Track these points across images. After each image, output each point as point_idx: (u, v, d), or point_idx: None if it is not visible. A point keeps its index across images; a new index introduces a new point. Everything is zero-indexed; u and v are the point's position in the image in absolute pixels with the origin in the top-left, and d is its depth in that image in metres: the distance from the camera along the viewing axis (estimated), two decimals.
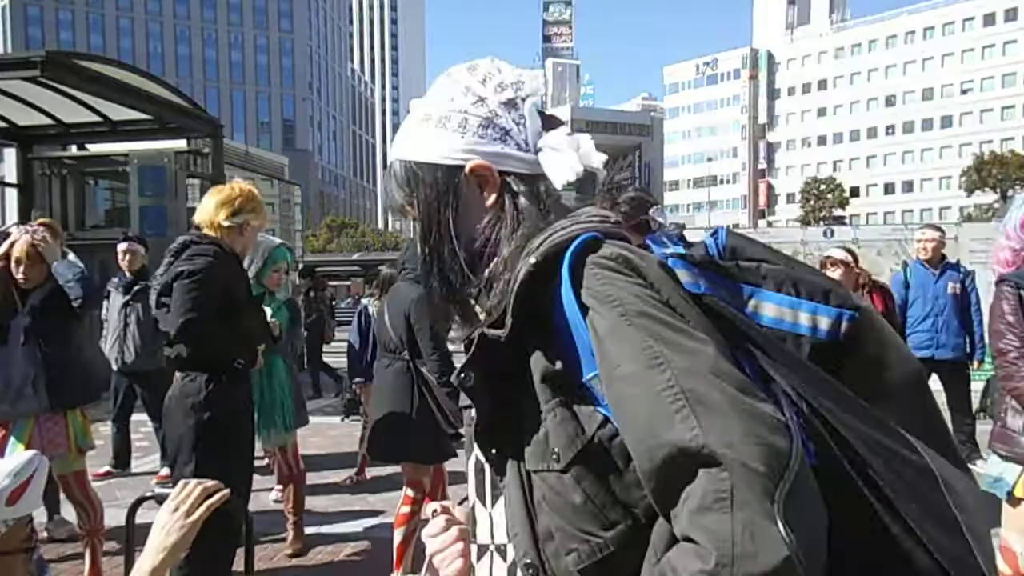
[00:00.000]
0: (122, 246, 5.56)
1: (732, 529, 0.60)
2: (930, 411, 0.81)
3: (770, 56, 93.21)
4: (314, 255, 42.62)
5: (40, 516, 3.52)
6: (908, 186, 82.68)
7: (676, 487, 0.66)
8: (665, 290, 0.75)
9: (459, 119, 0.89)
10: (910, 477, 0.72)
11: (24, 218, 10.98)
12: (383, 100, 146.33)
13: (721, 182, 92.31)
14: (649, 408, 0.68)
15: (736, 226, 56.61)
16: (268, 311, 3.71)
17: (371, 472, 5.63)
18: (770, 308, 0.80)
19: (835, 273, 4.31)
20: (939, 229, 5.67)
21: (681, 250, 0.83)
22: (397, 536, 3.52)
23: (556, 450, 0.78)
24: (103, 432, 5.62)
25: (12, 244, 3.38)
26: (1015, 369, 2.40)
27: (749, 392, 0.68)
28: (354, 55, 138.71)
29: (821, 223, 45.86)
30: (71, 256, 3.58)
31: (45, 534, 4.18)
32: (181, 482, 1.53)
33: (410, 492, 3.55)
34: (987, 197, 56.72)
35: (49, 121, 9.89)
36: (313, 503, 4.71)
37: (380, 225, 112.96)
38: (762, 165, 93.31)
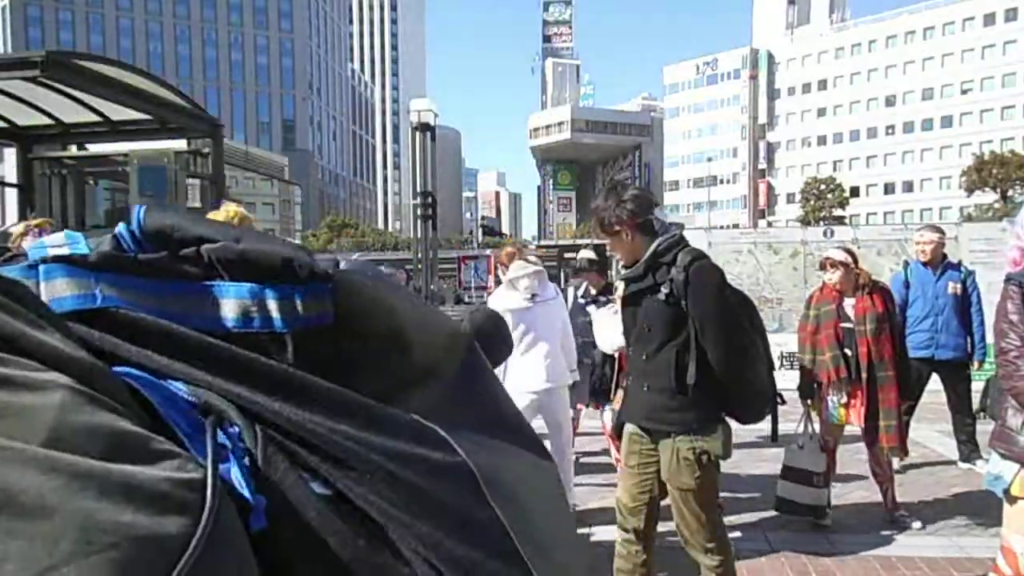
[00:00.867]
0: None
1: None
2: (482, 390, 0.74)
3: (770, 56, 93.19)
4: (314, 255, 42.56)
5: None
6: (908, 186, 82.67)
7: None
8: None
9: None
10: (431, 485, 0.60)
11: (25, 218, 10.99)
12: (383, 100, 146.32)
13: (721, 182, 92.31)
14: None
15: (736, 226, 56.67)
16: None
17: None
18: (230, 306, 0.59)
19: (834, 274, 4.31)
20: (938, 230, 5.68)
21: (66, 251, 0.61)
22: None
23: None
24: None
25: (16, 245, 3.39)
26: (1014, 368, 2.41)
27: (128, 450, 0.45)
28: (354, 55, 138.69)
29: (821, 223, 45.86)
30: None
31: None
32: None
33: None
34: (987, 197, 56.72)
35: (49, 121, 9.89)
36: None
37: (380, 225, 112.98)
38: (762, 165, 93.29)
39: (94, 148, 11.59)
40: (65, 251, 0.61)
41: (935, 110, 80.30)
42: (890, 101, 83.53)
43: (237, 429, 0.53)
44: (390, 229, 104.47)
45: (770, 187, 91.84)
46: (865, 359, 4.15)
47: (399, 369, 0.65)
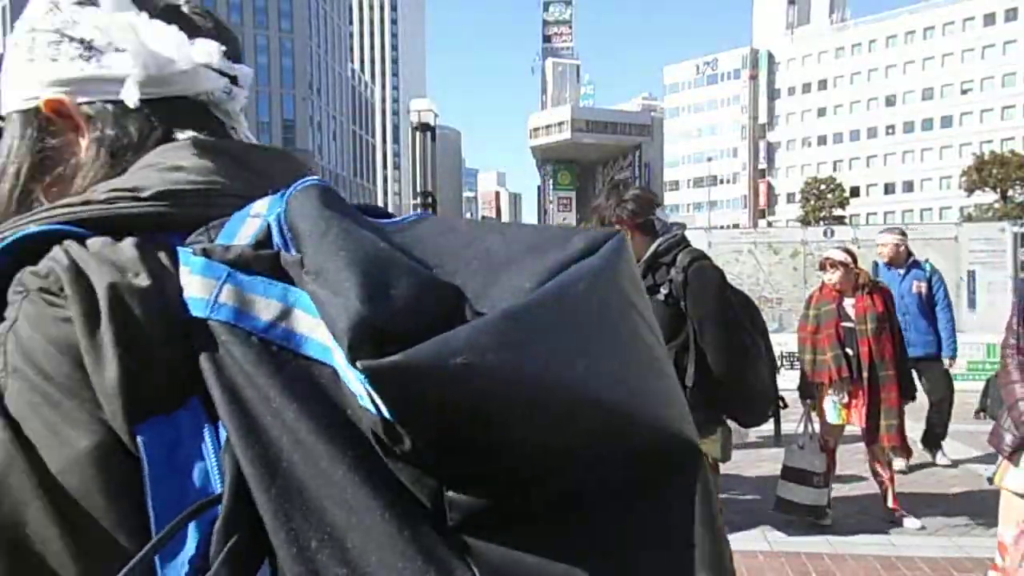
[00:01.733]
0: None
1: None
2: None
3: (770, 56, 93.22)
4: None
5: None
6: (908, 186, 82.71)
7: None
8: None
9: (28, 41, 0.64)
10: None
11: None
12: (383, 100, 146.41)
13: (721, 182, 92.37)
14: None
15: (736, 226, 56.72)
16: None
17: None
18: (306, 324, 0.47)
19: (834, 274, 4.32)
20: (899, 232, 5.75)
21: (211, 243, 0.51)
22: None
23: None
24: None
25: None
26: (1004, 364, 2.51)
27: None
28: (354, 55, 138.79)
29: (821, 223, 45.89)
30: None
31: None
32: None
33: None
34: (987, 197, 56.73)
35: None
36: None
37: None
38: (762, 165, 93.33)
39: None
40: (211, 243, 0.51)
41: (935, 110, 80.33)
42: (890, 101, 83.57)
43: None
44: None
45: (770, 187, 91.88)
46: (867, 358, 4.16)
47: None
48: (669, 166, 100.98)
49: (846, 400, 4.29)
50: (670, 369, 0.53)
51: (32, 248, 0.50)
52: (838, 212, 64.20)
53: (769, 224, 67.00)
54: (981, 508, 4.51)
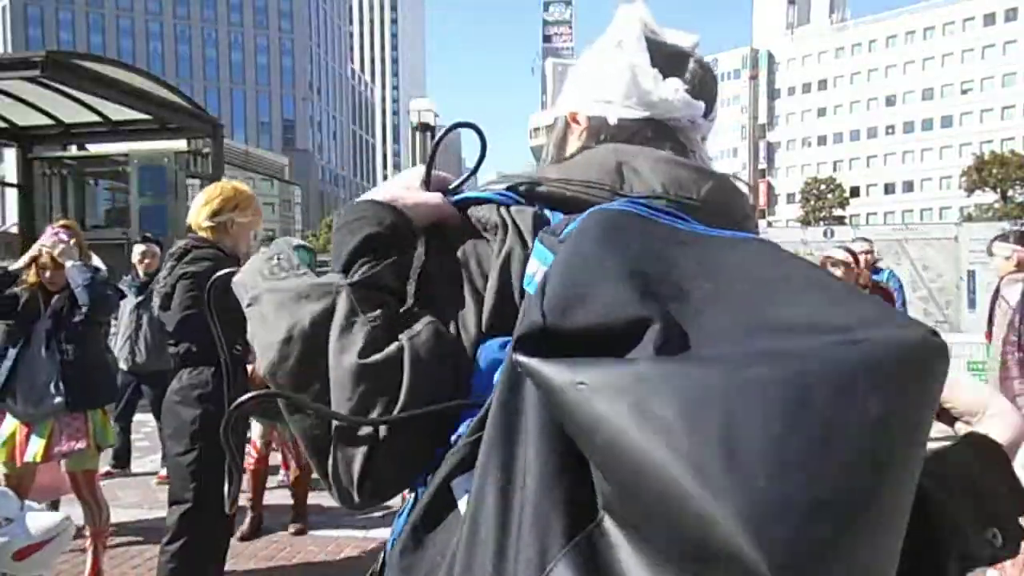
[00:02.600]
0: (140, 248, 5.60)
1: None
2: None
3: (770, 56, 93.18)
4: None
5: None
6: (908, 186, 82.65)
7: None
8: None
9: (576, 72, 0.98)
10: None
11: (25, 218, 10.99)
12: (383, 100, 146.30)
13: None
14: None
15: None
16: None
17: None
18: None
19: (836, 273, 4.23)
20: (866, 240, 6.40)
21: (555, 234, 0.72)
22: None
23: None
24: None
25: (39, 249, 3.49)
26: (1004, 361, 2.64)
27: None
28: (354, 55, 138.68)
29: (821, 223, 45.86)
30: (95, 259, 3.66)
31: None
32: None
33: None
34: (987, 197, 56.69)
35: (49, 121, 9.89)
36: (313, 502, 4.72)
37: None
38: (762, 165, 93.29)
39: (94, 148, 11.59)
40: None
41: (935, 110, 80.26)
42: (890, 101, 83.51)
43: None
44: None
45: (770, 187, 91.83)
46: None
47: None
48: None
49: None
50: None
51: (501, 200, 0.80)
52: (838, 212, 64.15)
53: (769, 224, 66.87)
54: None
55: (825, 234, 10.74)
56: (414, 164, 16.18)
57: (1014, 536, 0.59)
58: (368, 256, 0.79)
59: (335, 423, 0.73)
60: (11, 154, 11.44)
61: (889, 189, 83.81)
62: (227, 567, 3.91)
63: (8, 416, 3.51)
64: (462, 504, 0.64)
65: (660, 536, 0.48)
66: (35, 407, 3.40)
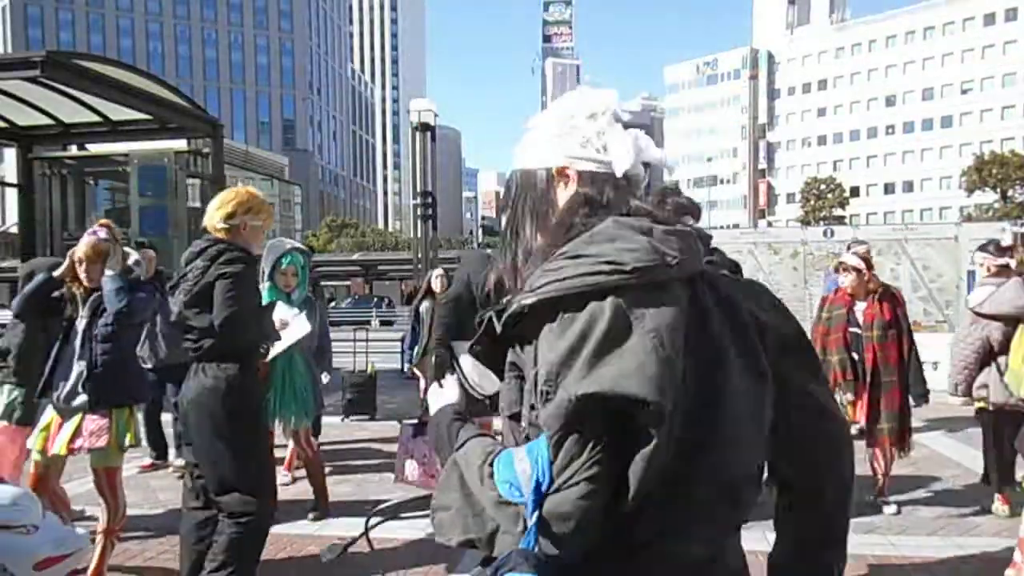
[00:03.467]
0: (135, 255, 5.66)
1: None
2: None
3: (770, 56, 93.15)
4: (314, 255, 42.51)
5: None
6: (908, 186, 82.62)
7: None
8: None
9: (554, 131, 1.13)
10: None
11: (25, 218, 10.98)
12: (383, 100, 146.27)
13: (721, 182, 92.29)
14: None
15: (736, 226, 56.58)
16: (286, 309, 4.05)
17: (369, 471, 5.61)
18: None
19: (846, 279, 4.58)
20: (864, 243, 6.94)
21: None
22: None
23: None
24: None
25: (71, 265, 3.62)
26: None
27: None
28: (354, 55, 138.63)
29: (821, 223, 45.85)
30: (132, 255, 3.83)
31: None
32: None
33: None
34: (987, 197, 56.68)
35: (49, 121, 9.88)
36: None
37: (380, 225, 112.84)
38: (762, 165, 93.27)
39: (94, 148, 11.57)
40: None
41: (935, 110, 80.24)
42: (890, 101, 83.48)
43: None
44: (390, 229, 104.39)
45: (770, 187, 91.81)
46: (871, 364, 4.41)
47: None
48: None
49: (852, 398, 4.52)
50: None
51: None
52: (838, 212, 64.14)
53: (769, 224, 66.99)
54: (981, 508, 4.53)
55: (825, 234, 10.74)
56: (414, 164, 16.20)
57: None
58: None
59: None
60: (11, 154, 11.42)
61: (889, 189, 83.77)
62: None
63: (49, 408, 3.65)
64: None
65: None
66: (66, 403, 3.52)
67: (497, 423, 1.26)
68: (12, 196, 11.21)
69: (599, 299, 0.95)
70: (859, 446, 5.34)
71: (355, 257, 46.70)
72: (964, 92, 78.30)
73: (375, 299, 38.71)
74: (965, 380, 4.34)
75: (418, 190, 14.72)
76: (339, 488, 5.23)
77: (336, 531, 4.43)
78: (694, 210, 3.33)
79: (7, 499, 2.25)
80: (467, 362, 1.22)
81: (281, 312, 4.19)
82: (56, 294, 3.64)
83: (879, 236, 10.60)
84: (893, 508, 4.59)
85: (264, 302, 3.56)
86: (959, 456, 5.81)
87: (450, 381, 1.26)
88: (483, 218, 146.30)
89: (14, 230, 12.49)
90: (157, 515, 4.78)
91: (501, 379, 1.12)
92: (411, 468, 3.73)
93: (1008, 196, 54.16)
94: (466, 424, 1.15)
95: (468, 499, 1.02)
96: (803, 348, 1.16)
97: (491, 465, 1.00)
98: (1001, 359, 4.17)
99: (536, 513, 0.93)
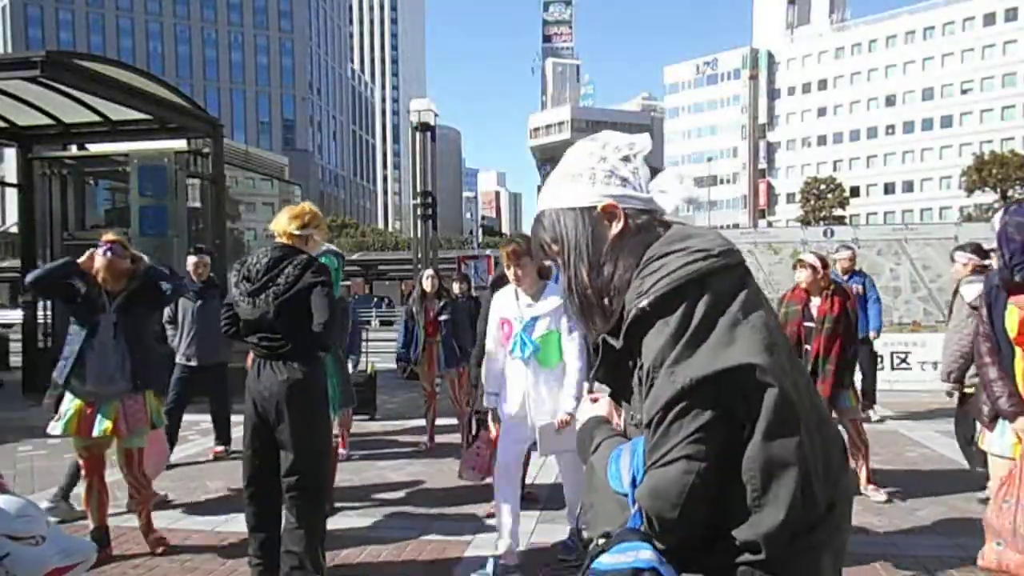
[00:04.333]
0: (193, 259, 6.38)
1: None
2: None
3: (770, 56, 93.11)
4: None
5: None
6: (908, 186, 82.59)
7: None
8: None
9: (589, 174, 1.18)
10: None
11: (25, 218, 10.98)
12: (383, 100, 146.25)
13: (721, 182, 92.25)
14: None
15: (736, 226, 56.54)
16: None
17: (366, 468, 5.60)
18: None
19: (801, 275, 5.00)
20: (850, 248, 7.71)
21: None
22: None
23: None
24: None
25: (92, 258, 4.06)
26: (979, 351, 3.01)
27: None
28: (354, 55, 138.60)
29: (821, 223, 45.85)
30: (144, 259, 4.28)
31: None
32: None
33: None
34: (987, 197, 56.68)
35: (49, 121, 9.88)
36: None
37: (380, 225, 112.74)
38: (762, 165, 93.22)
39: (94, 148, 11.57)
40: None
41: (935, 110, 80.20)
42: (890, 101, 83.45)
43: None
44: (390, 229, 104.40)
45: (770, 187, 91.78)
46: (814, 354, 4.82)
47: None
48: (669, 166, 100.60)
49: None
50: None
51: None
52: (838, 212, 64.13)
53: (769, 224, 66.94)
54: (981, 508, 4.52)
55: (825, 234, 10.73)
56: (414, 164, 16.19)
57: None
58: None
59: None
60: (11, 154, 11.42)
61: (889, 189, 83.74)
62: (229, 565, 3.91)
63: (67, 397, 4.00)
64: None
65: None
66: (104, 388, 3.95)
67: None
68: (12, 196, 11.23)
69: (698, 287, 1.03)
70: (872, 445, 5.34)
71: (355, 257, 46.69)
72: (964, 92, 78.26)
73: (375, 299, 38.72)
74: (959, 368, 4.52)
75: (418, 190, 14.71)
76: (338, 489, 5.22)
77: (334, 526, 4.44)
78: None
79: (13, 510, 2.25)
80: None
81: None
82: (76, 284, 4.00)
83: (879, 236, 10.60)
84: (882, 495, 4.81)
85: None
86: (959, 456, 5.80)
87: (604, 400, 1.33)
88: (483, 218, 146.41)
89: (14, 230, 12.48)
90: (157, 515, 4.78)
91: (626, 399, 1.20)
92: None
93: (1008, 196, 54.10)
94: (602, 426, 1.25)
95: (601, 495, 1.14)
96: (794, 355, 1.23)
97: (611, 462, 1.12)
98: None
99: (636, 502, 1.03)
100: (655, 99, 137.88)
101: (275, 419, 3.37)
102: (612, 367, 1.17)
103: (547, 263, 3.59)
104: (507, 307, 3.76)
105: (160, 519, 4.66)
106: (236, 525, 4.34)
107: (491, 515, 4.37)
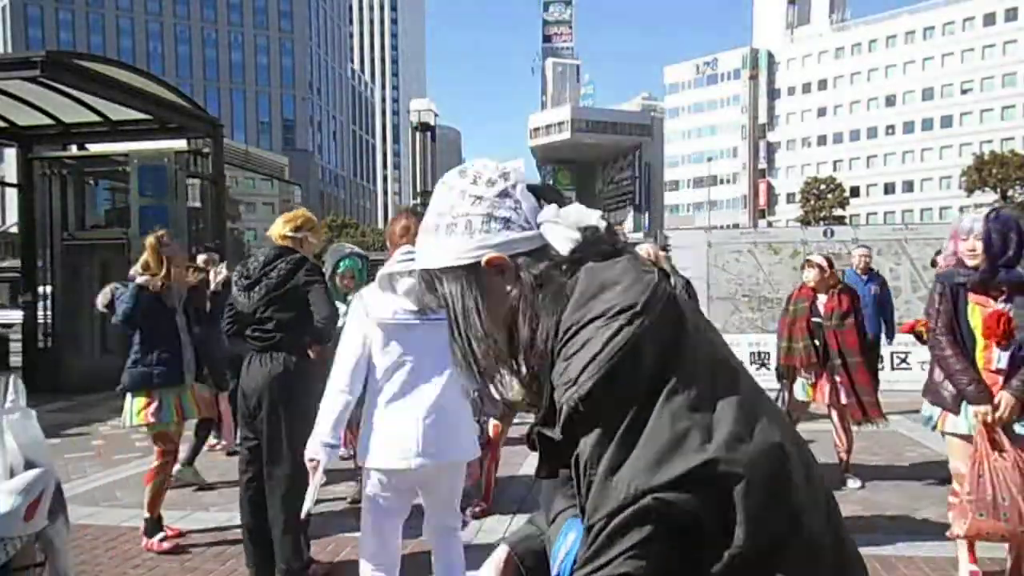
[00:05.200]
0: (204, 257, 6.69)
1: None
2: None
3: (770, 56, 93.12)
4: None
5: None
6: (908, 186, 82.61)
7: None
8: None
9: (464, 222, 0.96)
10: None
11: (25, 218, 10.99)
12: (383, 100, 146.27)
13: (721, 182, 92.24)
14: None
15: (736, 226, 56.59)
16: (341, 308, 4.36)
17: None
18: None
19: (809, 273, 5.22)
20: (866, 247, 7.76)
21: None
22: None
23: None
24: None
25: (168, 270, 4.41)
26: (936, 342, 3.33)
27: None
28: (354, 55, 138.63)
29: (821, 223, 45.83)
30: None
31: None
32: None
33: None
34: (987, 197, 56.66)
35: (49, 121, 9.89)
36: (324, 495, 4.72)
37: (380, 225, 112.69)
38: (762, 165, 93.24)
39: (94, 148, 11.58)
40: None
41: (935, 110, 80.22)
42: (890, 101, 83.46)
43: None
44: None
45: (770, 187, 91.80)
46: (834, 348, 5.05)
47: None
48: (669, 166, 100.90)
49: (813, 381, 5.18)
50: None
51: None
52: (838, 212, 64.13)
53: (769, 224, 66.95)
54: None
55: (825, 234, 10.73)
56: (414, 164, 16.20)
57: None
58: None
59: None
60: (11, 154, 11.44)
61: (889, 189, 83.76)
62: (229, 566, 3.92)
63: (130, 394, 4.27)
64: None
65: None
66: (186, 377, 4.38)
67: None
68: (12, 196, 11.23)
69: (631, 361, 0.83)
70: (825, 435, 5.36)
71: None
72: (964, 92, 78.28)
73: None
74: None
75: (418, 190, 14.73)
76: (337, 488, 5.23)
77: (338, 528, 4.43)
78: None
79: None
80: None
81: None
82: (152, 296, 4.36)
83: (879, 236, 10.59)
84: (857, 483, 5.13)
85: None
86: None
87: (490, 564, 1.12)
88: None
89: (14, 230, 12.48)
90: None
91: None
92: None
93: (1008, 196, 54.14)
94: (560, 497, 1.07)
95: None
96: None
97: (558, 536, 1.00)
98: None
99: None
100: (655, 99, 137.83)
101: (255, 409, 3.54)
102: (556, 458, 0.94)
103: None
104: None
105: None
106: (236, 525, 4.35)
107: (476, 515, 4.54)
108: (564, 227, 0.96)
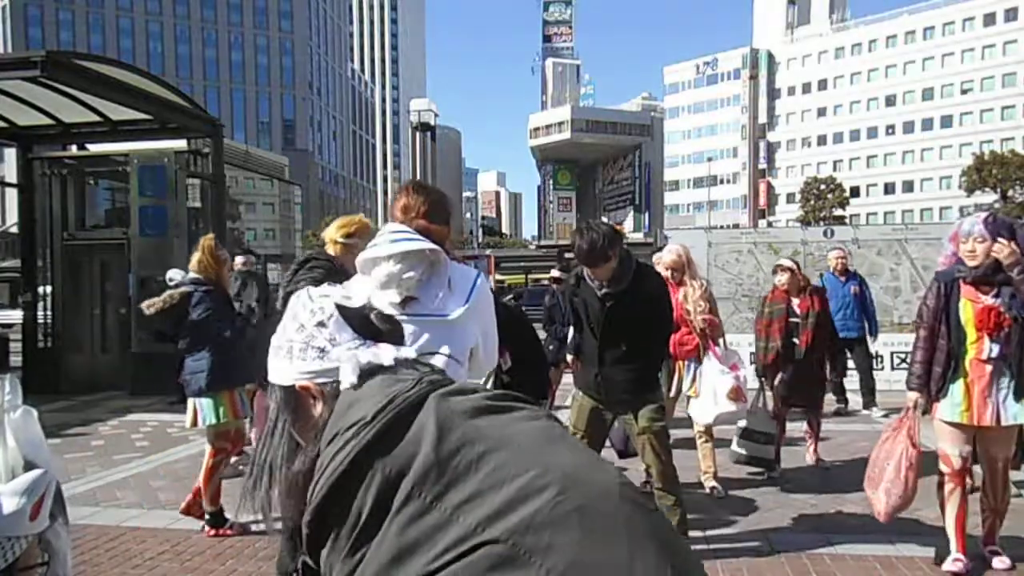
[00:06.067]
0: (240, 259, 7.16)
1: None
2: None
3: (770, 56, 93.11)
4: None
5: None
6: (908, 186, 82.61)
7: None
8: None
9: (287, 346, 1.03)
10: None
11: (25, 218, 10.98)
12: (383, 100, 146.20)
13: (721, 182, 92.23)
14: None
15: (736, 226, 56.59)
16: None
17: None
18: None
19: (783, 277, 5.55)
20: (840, 248, 8.15)
21: None
22: None
23: None
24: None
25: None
26: (918, 336, 3.76)
27: None
28: (354, 55, 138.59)
29: (821, 223, 45.83)
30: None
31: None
32: None
33: None
34: (987, 197, 56.66)
35: (49, 121, 9.88)
36: None
37: (380, 225, 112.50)
38: (762, 165, 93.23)
39: (94, 148, 11.57)
40: None
41: (935, 110, 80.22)
42: (890, 101, 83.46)
43: None
44: None
45: (770, 187, 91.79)
46: (804, 345, 5.44)
47: None
48: (669, 166, 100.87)
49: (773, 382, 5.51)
50: None
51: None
52: (838, 212, 64.13)
53: (769, 224, 66.90)
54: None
55: (825, 234, 10.71)
56: (414, 164, 16.17)
57: None
58: None
59: None
60: (11, 154, 11.43)
61: (889, 189, 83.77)
62: (229, 566, 3.92)
63: (208, 395, 4.39)
64: None
65: None
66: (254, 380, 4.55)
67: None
68: (12, 196, 11.23)
69: (356, 474, 0.83)
70: (858, 448, 5.36)
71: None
72: (964, 92, 78.29)
73: None
74: None
75: None
76: None
77: None
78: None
79: None
80: None
81: None
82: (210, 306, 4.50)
83: (879, 236, 10.58)
84: (826, 463, 5.63)
85: None
86: None
87: None
88: (483, 218, 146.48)
89: (14, 230, 12.48)
90: (158, 516, 4.78)
91: None
92: None
93: (1008, 196, 54.14)
94: None
95: None
96: None
97: None
98: None
99: None
100: (655, 99, 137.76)
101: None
102: None
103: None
104: None
105: (160, 519, 4.67)
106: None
107: None
108: (347, 363, 0.98)
